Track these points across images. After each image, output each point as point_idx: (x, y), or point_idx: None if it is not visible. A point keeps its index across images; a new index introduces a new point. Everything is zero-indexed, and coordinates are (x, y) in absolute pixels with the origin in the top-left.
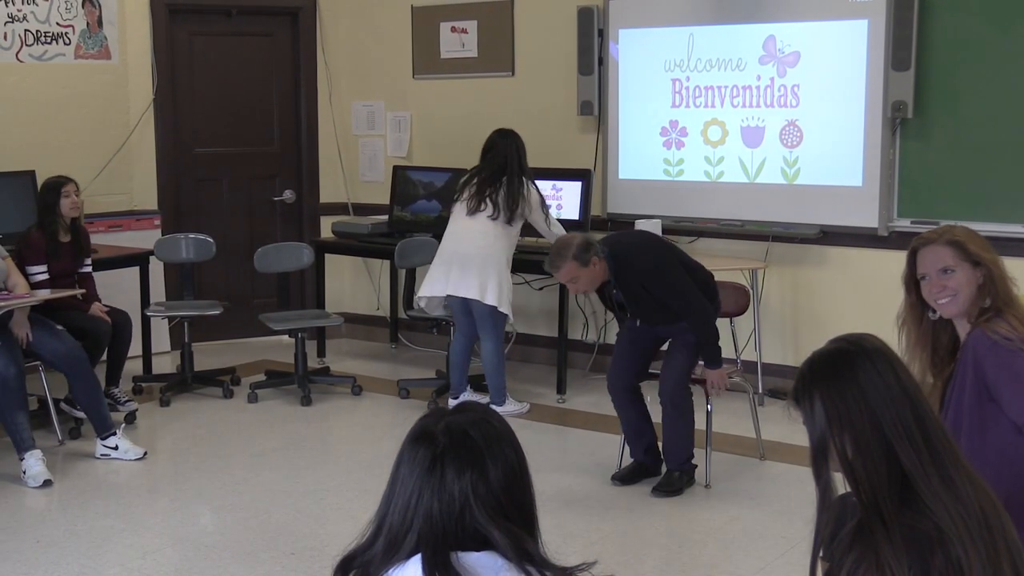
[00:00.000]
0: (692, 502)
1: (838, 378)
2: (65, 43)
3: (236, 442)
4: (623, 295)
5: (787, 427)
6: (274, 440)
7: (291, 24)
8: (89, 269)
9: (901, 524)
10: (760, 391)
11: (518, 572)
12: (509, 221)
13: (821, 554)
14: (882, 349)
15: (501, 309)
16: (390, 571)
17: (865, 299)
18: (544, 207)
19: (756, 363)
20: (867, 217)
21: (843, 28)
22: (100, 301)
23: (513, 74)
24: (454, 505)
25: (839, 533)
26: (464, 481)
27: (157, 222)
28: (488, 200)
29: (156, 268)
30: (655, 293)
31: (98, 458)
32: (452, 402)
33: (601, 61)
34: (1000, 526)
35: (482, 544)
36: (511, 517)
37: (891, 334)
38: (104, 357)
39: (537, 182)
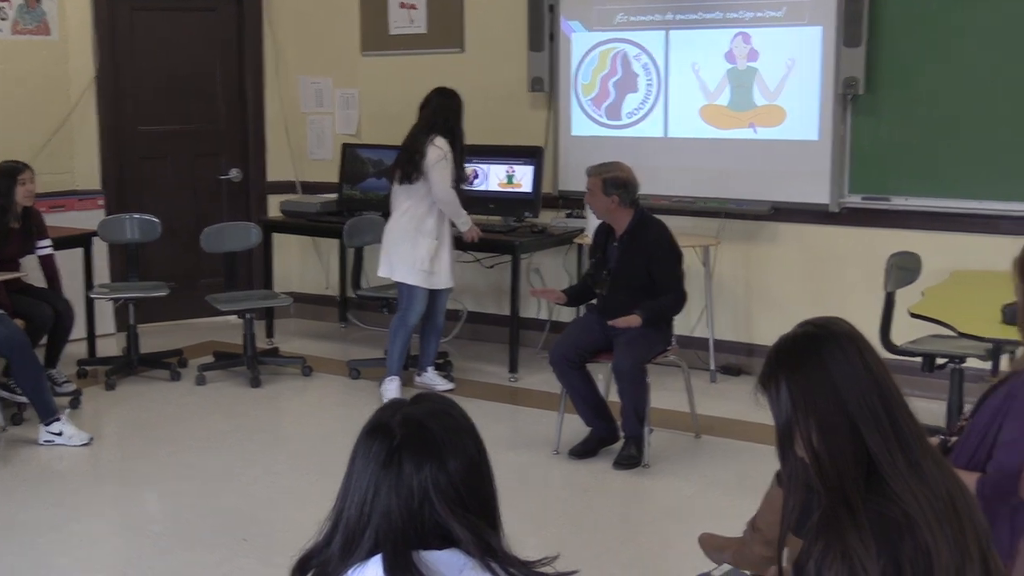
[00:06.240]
0: (647, 481)
1: (804, 362)
2: (1, 18)
3: (184, 426)
4: (619, 253)
5: (739, 404)
6: (223, 423)
7: None
8: (49, 250)
9: (868, 510)
10: (712, 368)
11: (482, 570)
12: (410, 179)
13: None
14: (850, 333)
15: (396, 279)
16: (349, 572)
17: (816, 275)
18: (447, 164)
19: (708, 340)
20: (819, 193)
21: (796, 3)
22: (61, 284)
23: (463, 50)
24: (413, 500)
25: (805, 519)
26: (423, 474)
27: (100, 202)
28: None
29: (99, 249)
30: (653, 267)
31: (42, 444)
32: (416, 378)
33: (552, 37)
34: (967, 510)
35: (443, 540)
36: (472, 509)
37: (840, 309)
38: (43, 342)
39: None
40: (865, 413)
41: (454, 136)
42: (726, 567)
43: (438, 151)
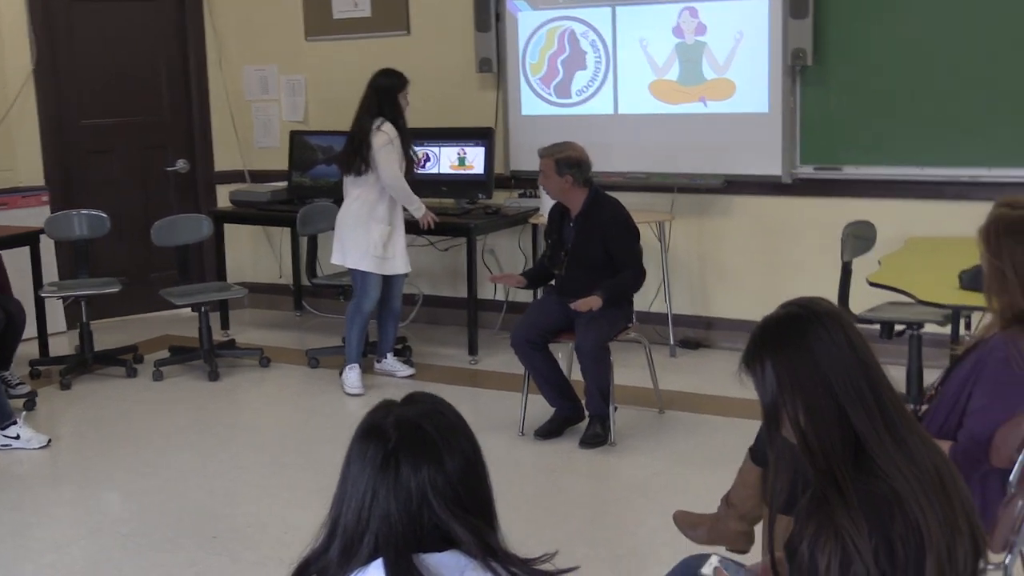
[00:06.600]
0: (613, 459)
1: (789, 343)
2: None
3: (144, 423)
4: (576, 233)
5: (700, 377)
6: (183, 418)
7: None
8: None
9: (857, 489)
10: (672, 342)
11: (483, 570)
12: (358, 172)
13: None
14: (834, 312)
15: (349, 266)
16: None
17: (771, 246)
18: (392, 149)
19: (666, 315)
20: (771, 165)
21: None
22: (9, 284)
23: (409, 33)
24: (411, 502)
25: (792, 500)
26: (421, 476)
27: (45, 198)
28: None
29: (46, 246)
30: (610, 246)
31: None
32: (376, 365)
33: (498, 17)
34: (954, 484)
35: (442, 542)
36: (470, 509)
37: (796, 279)
38: None
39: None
40: (851, 392)
41: (395, 117)
42: (715, 560)
43: (384, 136)
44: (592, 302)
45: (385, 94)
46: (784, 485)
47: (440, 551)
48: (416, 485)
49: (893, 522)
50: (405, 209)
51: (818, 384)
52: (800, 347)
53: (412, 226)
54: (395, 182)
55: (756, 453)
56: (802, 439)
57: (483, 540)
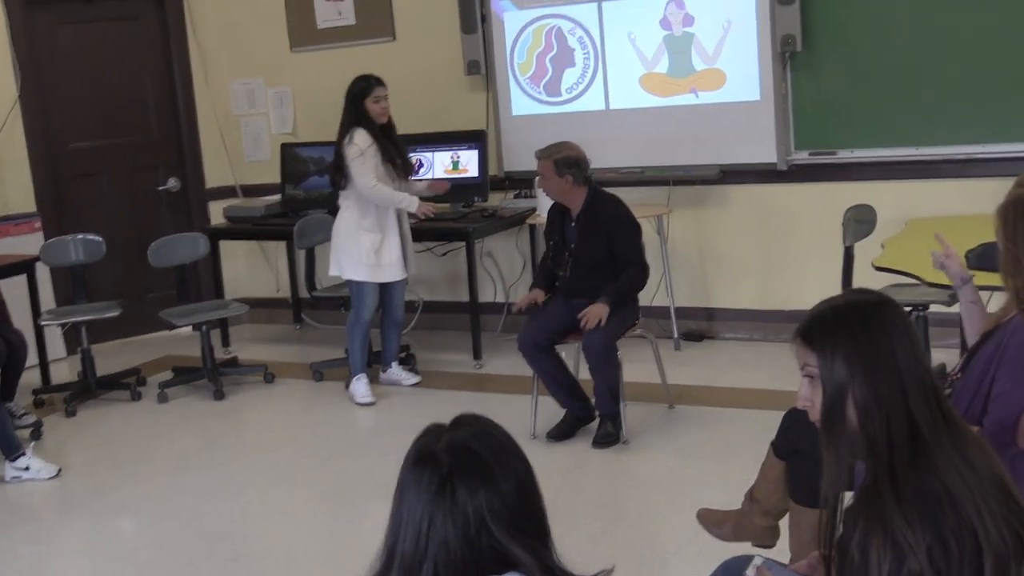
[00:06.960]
0: (628, 457)
1: (871, 327)
2: None
3: (153, 446)
4: (578, 233)
5: (706, 369)
6: (192, 440)
7: (156, 5)
8: None
9: (910, 484)
10: (675, 335)
11: None
12: (340, 185)
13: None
14: (903, 309)
15: (344, 276)
16: None
17: (770, 234)
18: (364, 160)
19: (669, 308)
20: (766, 153)
21: None
22: (9, 314)
23: (394, 39)
24: (469, 527)
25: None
26: (478, 500)
27: (37, 225)
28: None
29: (41, 273)
30: (614, 244)
31: (9, 482)
32: (381, 375)
33: (484, 18)
34: (1014, 489)
35: (500, 564)
36: (527, 530)
37: (797, 265)
38: None
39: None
40: (917, 387)
41: (367, 123)
42: (758, 561)
43: (355, 148)
44: (600, 311)
45: (354, 102)
46: (843, 479)
47: (499, 574)
48: (473, 509)
49: (943, 517)
50: (411, 215)
51: (891, 374)
52: (881, 333)
53: (416, 234)
54: (370, 191)
55: (778, 447)
56: (865, 423)
57: (542, 561)
